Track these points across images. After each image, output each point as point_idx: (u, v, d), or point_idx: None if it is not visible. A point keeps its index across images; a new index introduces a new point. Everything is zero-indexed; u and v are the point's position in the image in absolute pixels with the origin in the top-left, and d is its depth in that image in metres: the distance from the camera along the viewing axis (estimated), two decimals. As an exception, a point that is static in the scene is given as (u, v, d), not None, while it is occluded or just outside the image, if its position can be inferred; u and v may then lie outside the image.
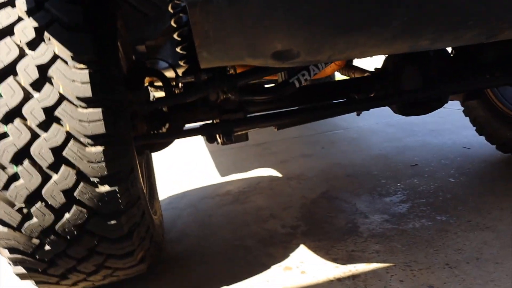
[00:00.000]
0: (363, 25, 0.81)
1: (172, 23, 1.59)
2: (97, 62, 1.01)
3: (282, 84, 1.50)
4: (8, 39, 0.98)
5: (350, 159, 2.79)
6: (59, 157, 0.95)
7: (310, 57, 0.89)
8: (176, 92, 1.48)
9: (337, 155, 2.96)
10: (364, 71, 2.11)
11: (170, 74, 2.41)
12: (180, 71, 2.28)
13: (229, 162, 3.18)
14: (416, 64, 1.66)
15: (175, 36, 1.59)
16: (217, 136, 1.46)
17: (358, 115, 1.77)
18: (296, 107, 1.60)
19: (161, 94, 1.85)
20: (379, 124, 3.90)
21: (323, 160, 2.88)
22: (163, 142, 1.49)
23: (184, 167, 3.24)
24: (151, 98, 1.57)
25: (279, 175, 2.61)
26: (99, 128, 0.97)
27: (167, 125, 1.58)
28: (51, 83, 0.96)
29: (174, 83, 1.66)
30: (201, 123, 1.51)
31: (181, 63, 1.60)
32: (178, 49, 1.59)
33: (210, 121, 1.54)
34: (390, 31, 0.85)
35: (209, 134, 1.42)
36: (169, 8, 1.63)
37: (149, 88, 1.52)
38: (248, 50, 0.83)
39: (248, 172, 2.78)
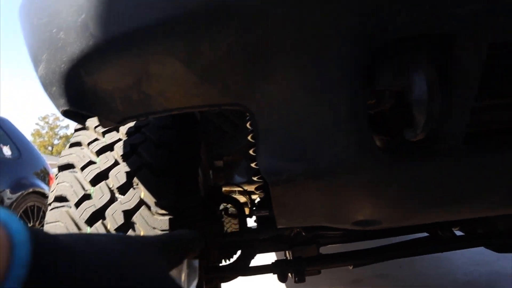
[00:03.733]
0: (457, 201, 0.76)
1: (250, 138, 1.66)
2: (178, 208, 1.04)
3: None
4: (103, 184, 1.06)
5: (432, 285, 2.52)
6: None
7: (394, 224, 0.84)
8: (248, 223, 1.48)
9: (417, 278, 2.70)
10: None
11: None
12: (251, 188, 2.32)
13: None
14: None
15: (251, 152, 1.64)
16: (289, 274, 1.40)
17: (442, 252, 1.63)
18: (372, 246, 1.51)
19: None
20: (463, 241, 3.55)
21: (400, 283, 2.63)
22: (233, 275, 1.46)
23: (252, 279, 3.14)
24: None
25: (352, 299, 2.42)
26: (174, 277, 0.97)
27: (238, 252, 1.57)
28: (133, 229, 1.01)
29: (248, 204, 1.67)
30: (273, 260, 1.47)
31: (255, 178, 1.63)
32: (253, 165, 1.63)
33: (283, 259, 1.50)
34: (488, 204, 0.79)
35: (280, 273, 1.37)
36: (247, 125, 1.70)
37: (222, 217, 1.54)
38: (327, 219, 0.81)
39: (317, 292, 2.62)
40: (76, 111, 0.77)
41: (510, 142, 0.71)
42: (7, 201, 3.74)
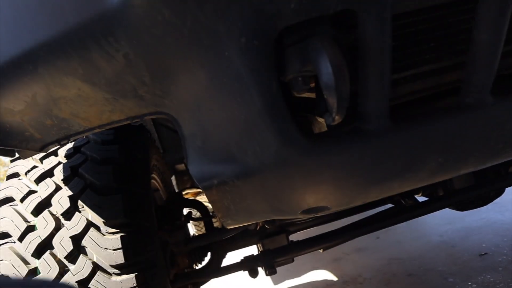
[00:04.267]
0: (395, 175, 0.76)
1: None
2: (129, 224, 1.01)
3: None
4: (46, 212, 1.02)
5: (409, 251, 2.58)
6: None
7: (341, 207, 0.84)
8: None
9: (394, 247, 2.75)
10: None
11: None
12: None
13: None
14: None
15: None
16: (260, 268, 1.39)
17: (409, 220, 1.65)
18: (340, 226, 1.52)
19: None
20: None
21: (379, 254, 2.68)
22: (205, 279, 1.44)
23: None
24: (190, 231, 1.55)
25: (334, 278, 2.44)
26: (133, 296, 0.94)
27: (208, 255, 1.55)
28: (85, 253, 0.97)
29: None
30: (242, 257, 1.46)
31: None
32: None
33: (251, 254, 1.49)
34: (426, 172, 0.79)
35: (250, 269, 1.36)
36: None
37: (187, 223, 1.51)
38: (275, 212, 0.80)
39: (301, 276, 2.63)
40: None
41: (434, 111, 0.72)
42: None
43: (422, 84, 0.74)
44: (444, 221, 3.02)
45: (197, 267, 1.57)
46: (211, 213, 1.54)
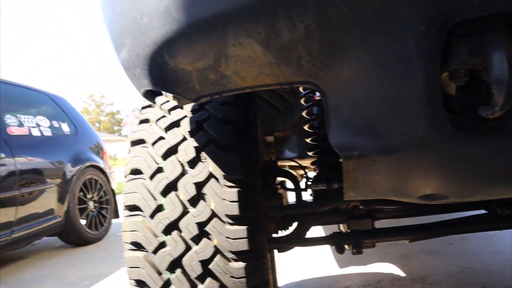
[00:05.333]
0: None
1: (304, 114, 1.66)
2: (244, 181, 1.10)
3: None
4: (173, 157, 1.14)
5: (485, 263, 2.49)
6: (206, 269, 1.04)
7: (459, 199, 0.86)
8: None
9: (468, 256, 2.66)
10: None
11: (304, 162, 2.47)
12: (304, 163, 2.36)
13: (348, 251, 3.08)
14: None
15: (305, 127, 1.65)
16: (346, 246, 1.45)
17: (501, 230, 1.60)
18: (428, 222, 1.52)
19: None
20: (517, 219, 3.43)
21: (451, 260, 2.61)
22: (290, 246, 1.52)
23: (303, 251, 3.21)
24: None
25: (402, 274, 2.43)
26: (243, 245, 1.04)
27: (294, 224, 1.62)
28: (204, 200, 1.08)
29: (301, 180, 1.71)
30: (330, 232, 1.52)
31: (310, 153, 1.65)
32: (308, 140, 1.65)
33: (339, 231, 1.54)
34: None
35: (338, 244, 1.41)
36: (302, 101, 1.71)
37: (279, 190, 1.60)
38: (395, 192, 0.84)
39: (366, 265, 2.65)
40: (158, 90, 0.83)
41: None
42: (69, 174, 4.01)
43: None
44: (528, 241, 2.85)
45: (281, 234, 1.65)
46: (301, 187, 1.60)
